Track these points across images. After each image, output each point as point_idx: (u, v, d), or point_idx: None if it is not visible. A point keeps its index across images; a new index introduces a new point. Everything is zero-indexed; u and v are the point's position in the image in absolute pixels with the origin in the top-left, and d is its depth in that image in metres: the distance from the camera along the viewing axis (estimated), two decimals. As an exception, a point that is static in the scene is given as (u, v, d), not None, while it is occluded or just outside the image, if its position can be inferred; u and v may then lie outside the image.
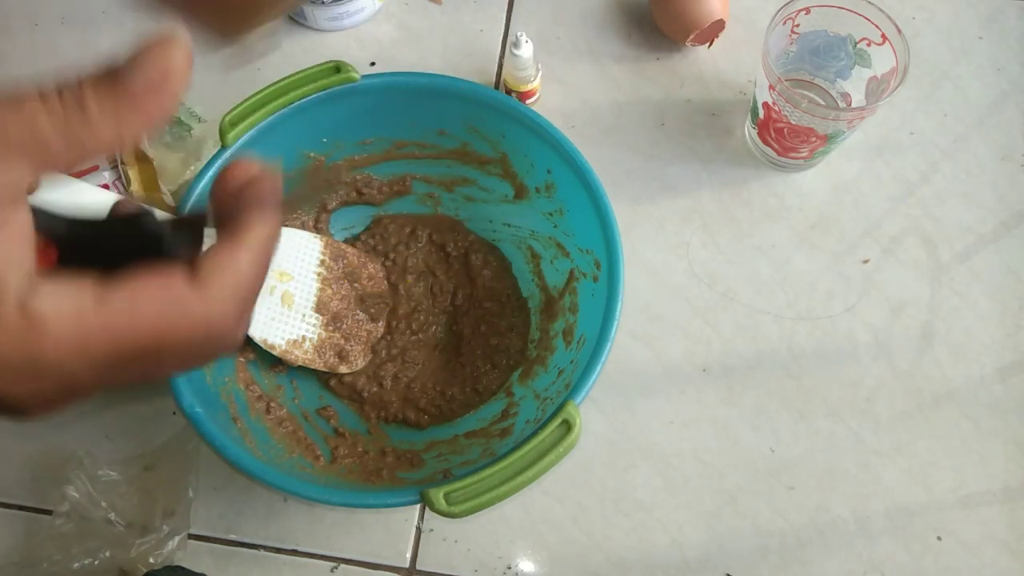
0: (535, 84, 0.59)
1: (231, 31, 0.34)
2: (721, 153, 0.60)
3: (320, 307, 0.51)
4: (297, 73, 0.48)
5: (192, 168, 0.59)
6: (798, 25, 0.53)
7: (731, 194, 0.59)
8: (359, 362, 0.53)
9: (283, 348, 0.50)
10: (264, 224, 0.25)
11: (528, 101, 0.59)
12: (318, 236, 0.53)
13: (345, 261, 0.53)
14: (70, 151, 0.21)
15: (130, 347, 0.22)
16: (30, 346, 0.21)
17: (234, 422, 0.46)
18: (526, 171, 0.52)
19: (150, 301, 0.22)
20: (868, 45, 0.53)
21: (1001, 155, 0.60)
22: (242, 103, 0.48)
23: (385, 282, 0.55)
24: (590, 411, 0.53)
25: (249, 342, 0.49)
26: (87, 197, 0.32)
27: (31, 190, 0.23)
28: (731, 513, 0.52)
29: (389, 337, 0.54)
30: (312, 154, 0.52)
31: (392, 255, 0.56)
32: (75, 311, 0.21)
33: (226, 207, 0.25)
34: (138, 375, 0.23)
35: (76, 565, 0.48)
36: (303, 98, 0.48)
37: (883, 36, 0.51)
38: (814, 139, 0.54)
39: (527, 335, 0.54)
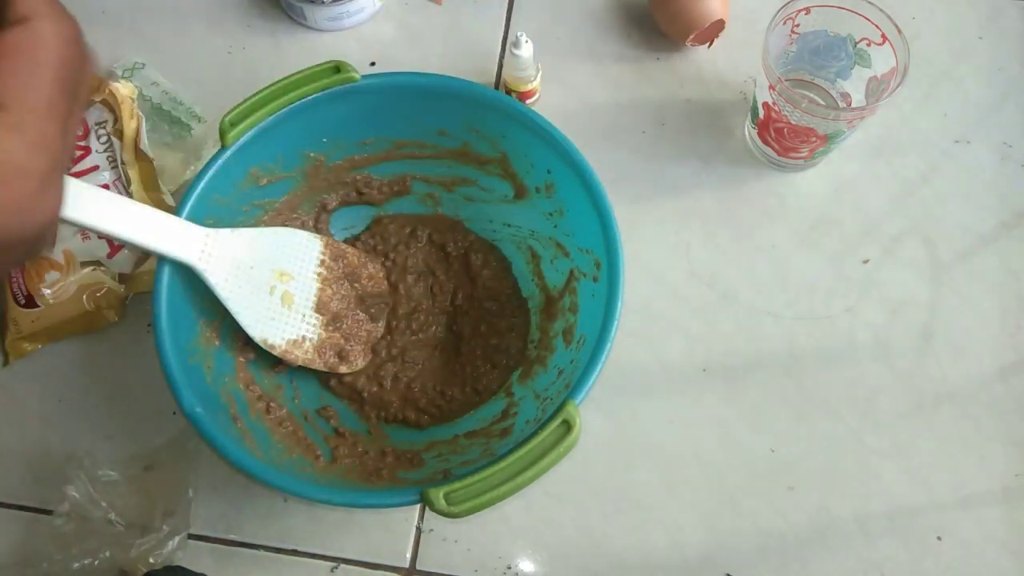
0: (535, 84, 0.59)
1: None
2: (721, 153, 0.60)
3: (320, 307, 0.51)
4: (297, 73, 0.48)
5: (192, 168, 0.59)
6: (798, 25, 0.53)
7: (731, 194, 0.59)
8: (359, 362, 0.53)
9: (283, 348, 0.50)
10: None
11: (528, 101, 0.59)
12: (318, 236, 0.53)
13: (345, 261, 0.53)
14: None
15: None
16: None
17: (234, 422, 0.46)
18: (526, 171, 0.52)
19: None
20: (868, 45, 0.53)
21: (1001, 155, 0.60)
22: (242, 103, 0.48)
23: (385, 282, 0.55)
24: (590, 411, 0.53)
25: (249, 342, 0.49)
26: None
27: None
28: (731, 513, 0.52)
29: (389, 337, 0.54)
30: (312, 154, 0.52)
31: (392, 255, 0.56)
32: None
33: None
34: None
35: (76, 565, 0.48)
36: (303, 98, 0.48)
37: (883, 36, 0.51)
38: (814, 139, 0.54)
39: (527, 335, 0.54)
